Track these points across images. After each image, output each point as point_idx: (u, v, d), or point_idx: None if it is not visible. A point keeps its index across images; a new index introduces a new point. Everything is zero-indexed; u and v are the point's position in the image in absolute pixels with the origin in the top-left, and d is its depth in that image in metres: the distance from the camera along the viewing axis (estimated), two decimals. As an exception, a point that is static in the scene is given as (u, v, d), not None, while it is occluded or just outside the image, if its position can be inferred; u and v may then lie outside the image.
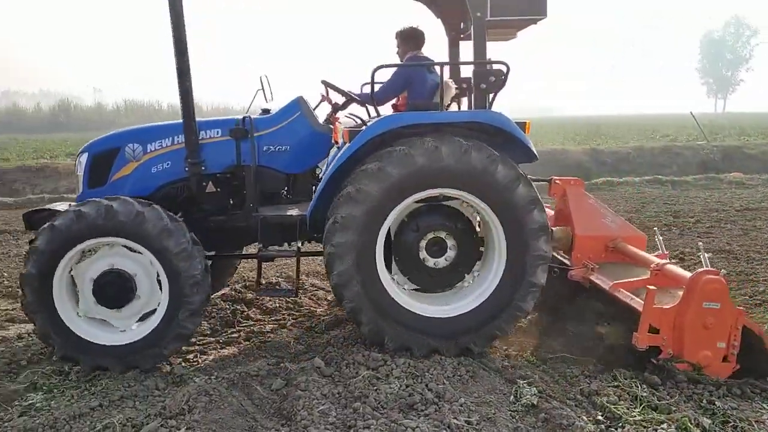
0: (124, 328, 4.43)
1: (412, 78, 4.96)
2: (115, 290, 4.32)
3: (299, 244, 5.01)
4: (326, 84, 5.15)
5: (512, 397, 3.86)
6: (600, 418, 3.58)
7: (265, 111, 5.14)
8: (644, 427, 3.46)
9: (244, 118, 4.86)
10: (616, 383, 3.93)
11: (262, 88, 5.09)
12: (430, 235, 4.49)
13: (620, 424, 3.49)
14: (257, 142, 4.88)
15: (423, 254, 4.50)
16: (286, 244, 5.00)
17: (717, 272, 4.03)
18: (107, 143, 4.90)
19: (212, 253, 5.10)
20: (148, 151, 4.80)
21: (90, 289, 4.32)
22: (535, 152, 4.57)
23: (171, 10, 4.32)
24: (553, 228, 5.26)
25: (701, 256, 4.49)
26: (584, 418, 3.55)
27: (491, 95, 4.52)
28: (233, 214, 4.91)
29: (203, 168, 4.79)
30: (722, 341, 4.00)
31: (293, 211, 4.80)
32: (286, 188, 5.19)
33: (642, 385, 3.91)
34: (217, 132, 4.86)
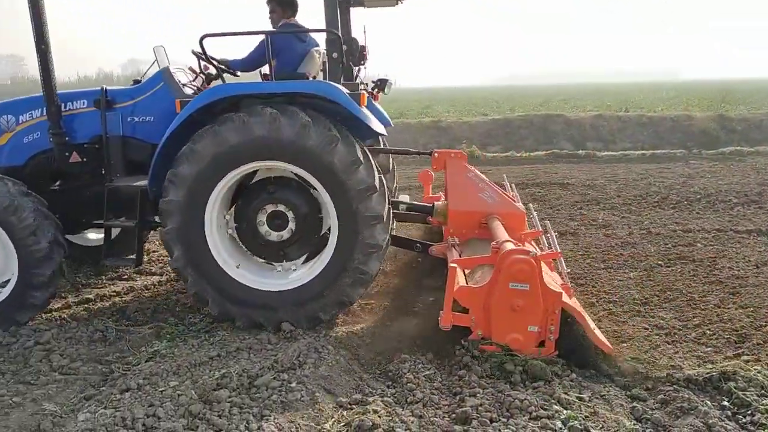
0: None
1: (277, 47, 4.81)
2: None
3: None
4: (196, 54, 4.93)
5: (627, 375, 3.67)
6: (726, 403, 3.32)
7: (136, 81, 5.10)
8: (777, 416, 3.16)
9: (105, 89, 4.85)
10: (745, 369, 3.62)
11: (156, 60, 5.04)
12: (271, 208, 4.42)
13: (749, 412, 3.22)
14: (121, 113, 4.85)
15: (263, 227, 4.45)
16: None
17: (527, 252, 3.69)
18: None
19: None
20: (20, 122, 4.90)
21: None
22: (375, 127, 4.34)
23: None
24: (436, 202, 5.13)
25: (550, 237, 4.16)
26: (708, 402, 3.30)
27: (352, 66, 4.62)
28: (104, 184, 4.85)
29: (67, 138, 4.79)
30: (534, 325, 3.67)
31: (141, 182, 4.65)
32: None
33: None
34: (83, 103, 4.88)
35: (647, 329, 4.39)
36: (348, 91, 4.33)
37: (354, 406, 3.38)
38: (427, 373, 3.64)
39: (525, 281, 3.61)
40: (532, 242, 4.79)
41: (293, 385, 3.51)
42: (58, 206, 4.70)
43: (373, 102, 5.46)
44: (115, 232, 5.59)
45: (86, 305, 5.17)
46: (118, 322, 4.72)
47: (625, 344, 4.12)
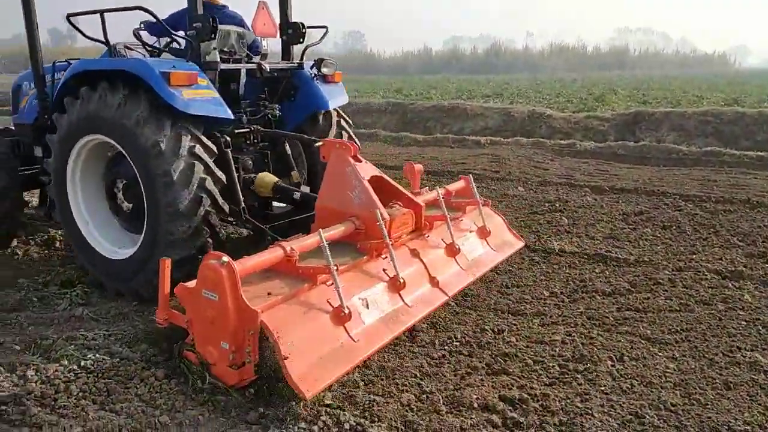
0: None
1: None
2: None
3: None
4: (136, 35, 5.36)
5: None
6: None
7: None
8: None
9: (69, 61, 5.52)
10: None
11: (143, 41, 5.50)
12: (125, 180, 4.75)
13: None
14: None
15: (120, 196, 4.87)
16: None
17: (220, 257, 3.16)
18: (18, 81, 6.24)
19: None
20: (32, 87, 5.79)
21: None
22: (179, 106, 4.18)
23: None
24: None
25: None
26: None
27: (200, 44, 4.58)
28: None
29: (49, 102, 5.44)
30: (225, 342, 3.15)
31: None
32: None
33: None
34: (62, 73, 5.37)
35: None
36: (162, 69, 4.20)
37: None
38: None
39: (214, 290, 3.18)
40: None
41: None
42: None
43: (314, 82, 5.53)
44: None
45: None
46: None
47: None
